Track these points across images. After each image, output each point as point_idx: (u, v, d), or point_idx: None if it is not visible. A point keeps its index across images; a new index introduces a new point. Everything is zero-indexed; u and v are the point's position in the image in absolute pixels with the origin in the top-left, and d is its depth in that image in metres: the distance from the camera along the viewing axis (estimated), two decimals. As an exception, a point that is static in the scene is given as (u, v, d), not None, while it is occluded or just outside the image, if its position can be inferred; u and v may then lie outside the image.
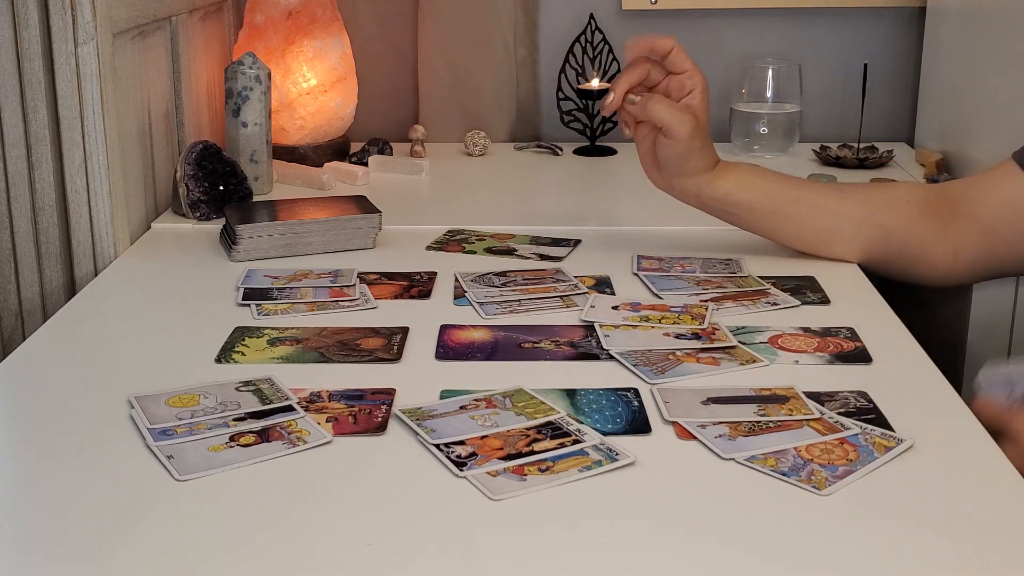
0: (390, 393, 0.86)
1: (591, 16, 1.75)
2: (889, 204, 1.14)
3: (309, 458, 0.77)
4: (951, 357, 1.32)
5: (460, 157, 1.69)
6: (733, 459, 0.76)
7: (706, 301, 1.06)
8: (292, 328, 1.00)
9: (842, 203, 1.15)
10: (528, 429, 0.80)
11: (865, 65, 1.62)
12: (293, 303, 1.06)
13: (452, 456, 0.76)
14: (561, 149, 1.71)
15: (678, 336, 0.97)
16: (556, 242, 1.25)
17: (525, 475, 0.74)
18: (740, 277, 1.13)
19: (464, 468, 0.74)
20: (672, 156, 1.12)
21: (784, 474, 0.74)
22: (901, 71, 1.78)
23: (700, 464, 0.76)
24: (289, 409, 0.83)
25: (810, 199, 1.15)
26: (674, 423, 0.81)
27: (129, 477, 0.75)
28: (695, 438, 0.79)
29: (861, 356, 0.94)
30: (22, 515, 0.71)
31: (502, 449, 0.77)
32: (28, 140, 1.15)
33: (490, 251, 1.22)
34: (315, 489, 0.73)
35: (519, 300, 1.07)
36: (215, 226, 1.29)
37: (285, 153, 1.57)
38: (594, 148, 1.71)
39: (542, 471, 0.74)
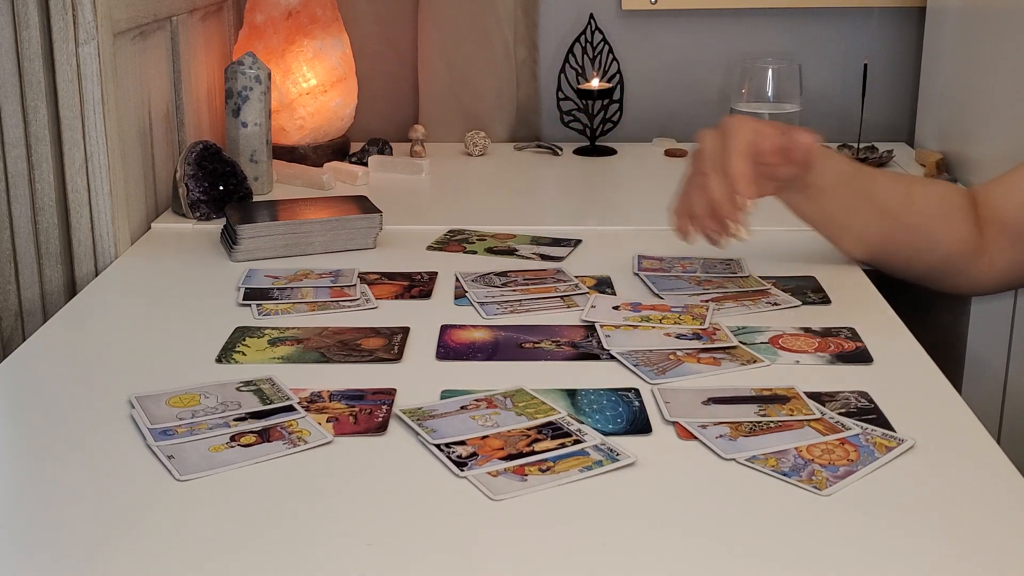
0: (391, 393, 0.86)
1: (591, 16, 1.75)
2: (945, 213, 1.10)
3: (310, 458, 0.77)
4: (951, 357, 1.32)
5: (460, 157, 1.69)
6: (734, 459, 0.76)
7: (707, 301, 1.06)
8: (293, 328, 1.00)
9: (903, 207, 1.10)
10: (529, 429, 0.80)
11: (865, 65, 1.62)
12: (294, 303, 1.06)
13: (453, 456, 0.76)
14: (561, 149, 1.71)
15: (679, 336, 0.97)
16: (556, 242, 1.25)
17: (526, 475, 0.74)
18: (741, 277, 1.13)
19: (465, 468, 0.74)
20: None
21: (785, 474, 0.74)
22: (901, 71, 1.78)
23: (701, 464, 0.76)
24: (290, 409, 0.83)
25: (879, 195, 1.11)
26: (675, 423, 0.81)
27: (129, 477, 0.75)
28: (696, 438, 0.79)
29: (862, 356, 0.94)
30: (22, 515, 0.71)
31: (503, 449, 0.77)
32: (28, 140, 1.15)
33: (491, 251, 1.22)
34: (315, 489, 0.73)
35: (520, 300, 1.07)
36: (215, 226, 1.29)
37: (285, 153, 1.57)
38: (594, 148, 1.71)
39: (543, 471, 0.74)
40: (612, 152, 1.71)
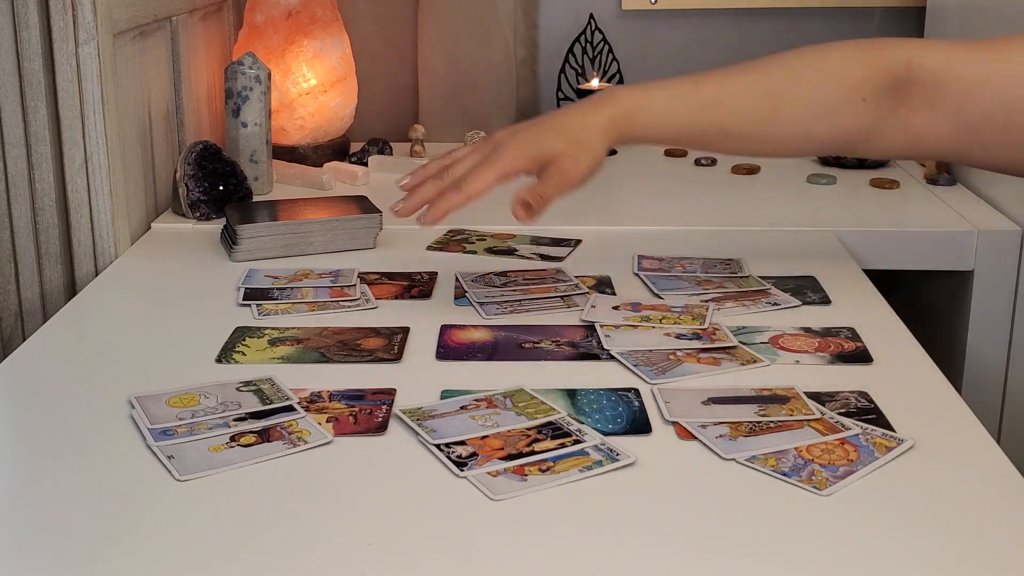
0: (390, 393, 0.86)
1: (591, 16, 1.75)
2: (833, 108, 1.00)
3: (309, 458, 0.77)
4: (951, 357, 1.32)
5: (460, 157, 1.69)
6: (734, 459, 0.76)
7: (707, 301, 1.06)
8: (293, 328, 1.00)
9: (772, 127, 1.01)
10: (529, 429, 0.80)
11: (865, 65, 1.62)
12: (294, 303, 1.06)
13: (452, 456, 0.76)
14: (561, 149, 1.71)
15: (679, 336, 0.97)
16: (556, 242, 1.25)
17: (526, 475, 0.74)
18: (741, 277, 1.13)
19: (465, 468, 0.74)
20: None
21: (785, 474, 0.74)
22: (901, 71, 1.78)
23: (701, 464, 0.76)
24: (290, 409, 0.83)
25: (736, 129, 1.02)
26: (675, 423, 0.81)
27: (129, 477, 0.75)
28: (696, 438, 0.79)
29: (862, 356, 0.94)
30: (22, 515, 0.71)
31: (503, 449, 0.77)
32: (28, 140, 1.15)
33: (491, 251, 1.22)
34: (315, 489, 0.73)
35: (520, 300, 1.07)
36: (215, 226, 1.29)
37: (285, 153, 1.57)
38: (594, 148, 1.71)
39: (543, 471, 0.74)
40: (612, 152, 1.71)
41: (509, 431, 0.80)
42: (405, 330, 0.99)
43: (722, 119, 1.02)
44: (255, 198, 1.38)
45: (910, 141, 1.01)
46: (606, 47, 1.76)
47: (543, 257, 1.20)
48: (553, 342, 0.97)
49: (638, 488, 0.73)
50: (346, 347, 0.95)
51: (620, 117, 1.02)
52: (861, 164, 1.58)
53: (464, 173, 0.99)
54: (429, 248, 1.24)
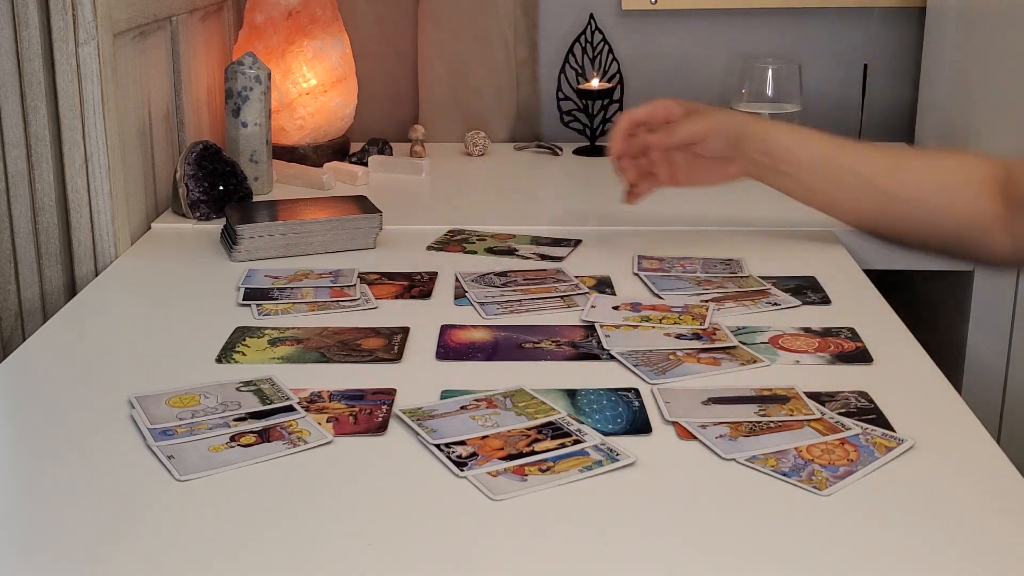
0: (391, 393, 0.86)
1: (591, 16, 1.75)
2: (949, 186, 1.09)
3: (310, 458, 0.77)
4: (951, 357, 1.32)
5: (460, 157, 1.69)
6: (734, 459, 0.76)
7: (707, 301, 1.06)
8: (293, 328, 1.00)
9: (893, 181, 1.11)
10: (529, 429, 0.80)
11: (865, 65, 1.62)
12: (294, 303, 1.06)
13: (453, 456, 0.76)
14: (561, 149, 1.71)
15: (679, 336, 0.97)
16: (556, 242, 1.25)
17: (526, 475, 0.74)
18: (741, 277, 1.13)
19: (465, 468, 0.74)
20: (718, 143, 1.17)
21: (785, 474, 0.74)
22: (901, 71, 1.78)
23: (701, 464, 0.76)
24: (290, 409, 0.83)
25: (865, 171, 1.12)
26: (675, 423, 0.81)
27: (129, 477, 0.75)
28: (696, 438, 0.79)
29: (862, 356, 0.94)
30: (22, 515, 0.71)
31: (503, 449, 0.77)
32: (28, 140, 1.15)
33: (491, 251, 1.22)
34: (315, 489, 0.73)
35: (520, 300, 1.07)
36: (215, 226, 1.29)
37: (285, 153, 1.57)
38: (594, 148, 1.71)
39: (543, 471, 0.74)
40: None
41: (509, 431, 0.80)
42: (405, 330, 0.99)
43: (853, 158, 1.14)
44: (255, 198, 1.38)
45: (1013, 243, 1.06)
46: (606, 47, 1.76)
47: (543, 257, 1.20)
48: (553, 342, 0.97)
49: (638, 488, 0.73)
50: (346, 347, 0.95)
51: (751, 119, 1.21)
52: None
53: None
54: (429, 248, 1.24)
